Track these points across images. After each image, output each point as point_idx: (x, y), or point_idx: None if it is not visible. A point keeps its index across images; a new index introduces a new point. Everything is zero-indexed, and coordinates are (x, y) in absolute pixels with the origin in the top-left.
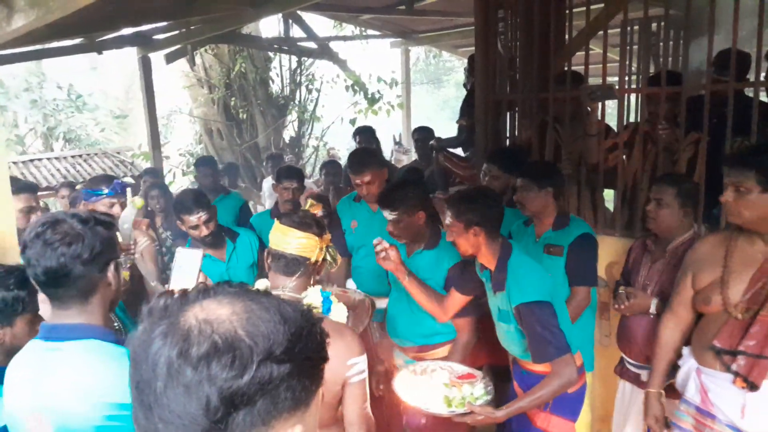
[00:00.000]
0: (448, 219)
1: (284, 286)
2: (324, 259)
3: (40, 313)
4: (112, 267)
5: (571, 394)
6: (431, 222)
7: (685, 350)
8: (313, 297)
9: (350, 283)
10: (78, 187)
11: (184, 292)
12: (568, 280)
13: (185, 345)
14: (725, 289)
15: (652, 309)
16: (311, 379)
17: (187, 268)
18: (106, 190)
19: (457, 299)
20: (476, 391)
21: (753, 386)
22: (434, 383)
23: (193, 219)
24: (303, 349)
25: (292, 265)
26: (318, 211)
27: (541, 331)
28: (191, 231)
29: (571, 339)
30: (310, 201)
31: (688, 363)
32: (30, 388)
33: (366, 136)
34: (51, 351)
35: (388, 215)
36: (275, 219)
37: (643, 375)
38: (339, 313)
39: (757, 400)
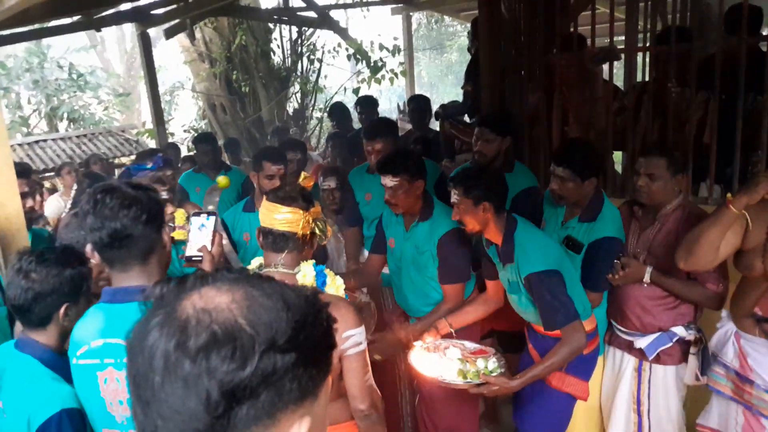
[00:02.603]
0: (454, 197)
1: (276, 263)
2: (313, 233)
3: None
4: (166, 229)
5: (586, 356)
6: (425, 193)
7: (724, 313)
8: (306, 271)
9: (365, 253)
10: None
11: (182, 280)
12: (580, 278)
13: (183, 336)
14: None
15: (646, 278)
16: (318, 368)
17: (203, 231)
18: (150, 164)
19: (452, 291)
20: (490, 365)
21: None
22: (447, 358)
23: (273, 168)
24: (308, 336)
25: (279, 241)
26: (311, 184)
27: (551, 300)
28: (265, 180)
29: (584, 302)
30: (303, 174)
31: (726, 326)
32: (100, 346)
33: (367, 106)
34: (116, 311)
35: (389, 181)
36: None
37: (636, 342)
38: (335, 287)
39: None
